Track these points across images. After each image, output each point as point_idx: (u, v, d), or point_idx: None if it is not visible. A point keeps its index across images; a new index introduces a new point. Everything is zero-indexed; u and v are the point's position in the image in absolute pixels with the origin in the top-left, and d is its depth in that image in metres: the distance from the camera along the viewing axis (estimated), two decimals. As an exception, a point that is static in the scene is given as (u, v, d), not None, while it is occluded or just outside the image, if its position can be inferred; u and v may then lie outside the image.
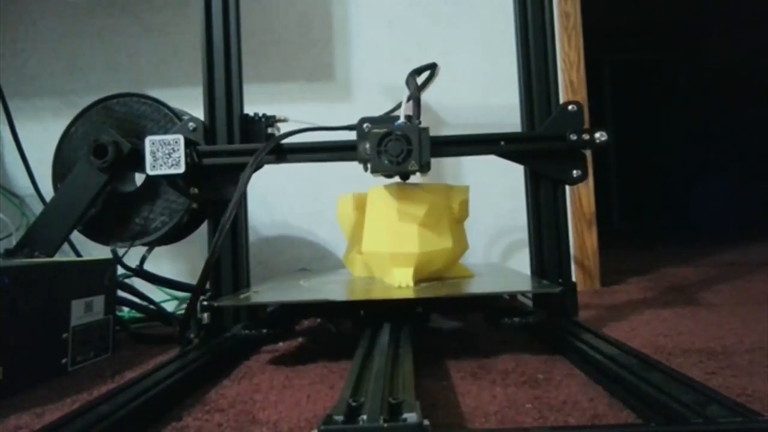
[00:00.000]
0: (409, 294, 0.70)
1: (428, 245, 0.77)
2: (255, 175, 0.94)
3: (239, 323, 0.79)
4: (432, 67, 0.84)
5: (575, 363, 0.63)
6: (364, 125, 0.77)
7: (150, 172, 0.78)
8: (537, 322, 0.67)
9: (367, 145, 0.74)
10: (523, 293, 0.84)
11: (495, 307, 0.73)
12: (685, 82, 3.80)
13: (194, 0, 0.89)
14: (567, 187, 0.85)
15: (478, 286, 0.79)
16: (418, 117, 0.78)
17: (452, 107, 1.32)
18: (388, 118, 0.79)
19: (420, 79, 0.84)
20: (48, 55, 1.37)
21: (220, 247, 0.78)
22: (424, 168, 0.74)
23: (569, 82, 1.29)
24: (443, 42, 1.34)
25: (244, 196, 0.87)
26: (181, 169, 0.78)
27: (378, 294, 0.73)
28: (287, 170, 1.31)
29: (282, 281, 0.93)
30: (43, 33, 1.37)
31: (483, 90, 1.32)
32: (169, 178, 0.81)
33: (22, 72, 1.36)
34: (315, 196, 1.32)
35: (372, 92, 1.33)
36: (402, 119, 0.75)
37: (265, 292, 0.81)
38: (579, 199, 1.30)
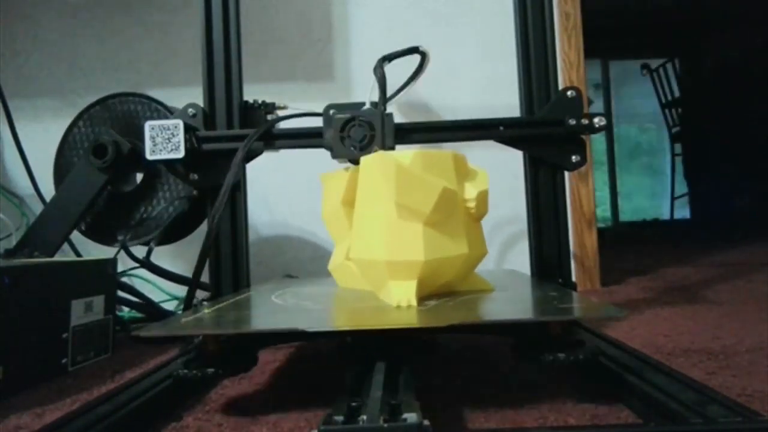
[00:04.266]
0: (412, 319, 0.51)
1: (437, 251, 0.58)
2: (255, 175, 0.94)
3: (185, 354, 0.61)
4: (410, 52, 0.83)
5: (575, 363, 0.63)
6: (330, 111, 0.77)
7: (149, 156, 0.78)
8: (588, 358, 0.50)
9: (331, 131, 0.75)
10: (575, 321, 0.60)
11: (529, 336, 0.55)
12: (685, 82, 3.80)
13: (194, 0, 0.90)
14: (567, 187, 0.85)
15: (504, 306, 0.60)
16: (384, 103, 0.78)
17: (452, 107, 1.32)
18: (354, 104, 0.79)
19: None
20: (48, 55, 1.37)
21: (215, 233, 0.78)
22: None
23: (569, 82, 1.29)
24: (443, 42, 1.34)
25: (244, 192, 0.87)
26: (181, 154, 0.78)
27: (368, 319, 0.53)
28: (287, 169, 1.31)
29: (252, 295, 0.74)
30: (43, 33, 1.37)
31: (483, 90, 1.32)
32: (169, 163, 0.81)
33: (22, 72, 1.36)
34: (315, 196, 1.31)
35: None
36: (368, 105, 0.76)
37: (223, 313, 0.59)
38: (579, 199, 1.30)
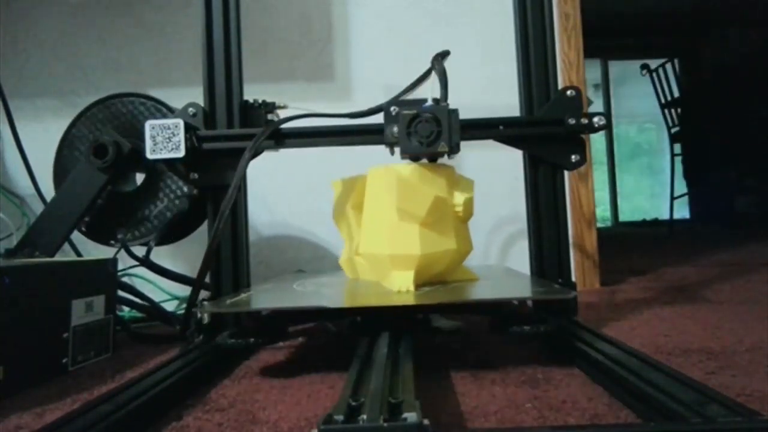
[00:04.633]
0: (410, 300, 0.66)
1: (430, 246, 0.72)
2: (255, 175, 0.94)
3: (231, 327, 0.76)
4: (446, 55, 0.84)
5: (575, 363, 0.63)
6: (392, 108, 0.77)
7: (150, 155, 0.78)
8: (548, 330, 0.62)
9: (395, 128, 0.75)
10: (535, 299, 0.76)
11: (502, 313, 0.68)
12: (685, 82, 3.80)
13: (194, 0, 0.90)
14: (567, 187, 0.85)
15: (484, 290, 0.74)
16: (446, 99, 0.78)
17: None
18: (416, 101, 0.79)
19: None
20: (48, 55, 1.37)
21: (221, 233, 0.78)
22: (454, 149, 0.74)
23: (569, 83, 1.29)
24: (443, 42, 1.33)
25: (244, 192, 0.87)
26: (181, 153, 0.78)
27: (376, 299, 0.67)
28: (287, 169, 1.32)
29: (276, 284, 0.87)
30: (43, 33, 1.37)
31: (483, 90, 1.32)
32: (169, 162, 0.81)
33: (23, 72, 1.36)
34: (315, 196, 1.32)
35: (372, 92, 1.33)
36: (430, 101, 0.76)
37: (256, 297, 0.75)
38: (579, 198, 1.30)
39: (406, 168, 0.74)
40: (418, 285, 0.72)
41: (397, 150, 0.76)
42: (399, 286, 0.71)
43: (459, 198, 0.75)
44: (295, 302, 0.70)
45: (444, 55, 0.82)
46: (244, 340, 0.64)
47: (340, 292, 0.78)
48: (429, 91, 0.77)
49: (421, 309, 0.69)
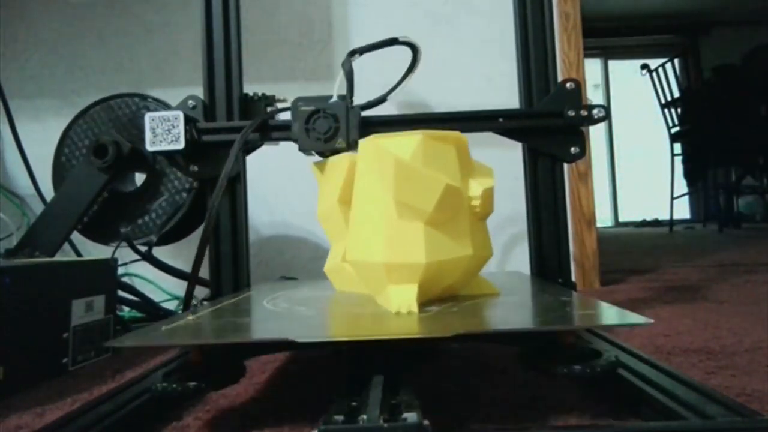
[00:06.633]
0: (413, 328, 0.46)
1: (439, 253, 0.53)
2: (256, 175, 0.94)
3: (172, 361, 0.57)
4: (388, 44, 0.84)
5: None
6: (298, 104, 0.78)
7: (150, 147, 0.79)
8: (605, 369, 0.46)
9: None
10: (597, 327, 0.56)
11: (540, 344, 0.50)
12: (685, 82, 3.80)
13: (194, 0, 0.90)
14: (567, 186, 0.85)
15: (513, 312, 0.55)
16: (351, 96, 0.79)
17: (452, 107, 1.31)
18: (321, 97, 0.80)
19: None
20: (48, 55, 1.37)
21: (217, 215, 0.77)
22: (352, 146, 0.75)
23: (569, 82, 1.29)
24: (443, 42, 1.34)
25: (245, 191, 0.87)
26: (181, 145, 0.78)
27: (365, 328, 0.49)
28: (287, 169, 1.31)
29: (242, 299, 0.68)
30: (44, 33, 1.37)
31: (483, 90, 1.32)
32: (169, 155, 0.81)
33: (23, 72, 1.36)
34: (315, 196, 1.32)
35: (372, 92, 1.33)
36: (335, 98, 0.76)
37: (207, 319, 0.54)
38: (578, 199, 1.30)
39: (408, 145, 0.54)
40: (423, 303, 0.54)
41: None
42: (398, 306, 0.52)
43: (476, 188, 0.57)
44: (255, 330, 0.53)
45: (354, 53, 0.82)
46: (180, 384, 0.45)
47: (318, 315, 0.56)
48: (336, 87, 0.78)
49: (428, 342, 0.50)
